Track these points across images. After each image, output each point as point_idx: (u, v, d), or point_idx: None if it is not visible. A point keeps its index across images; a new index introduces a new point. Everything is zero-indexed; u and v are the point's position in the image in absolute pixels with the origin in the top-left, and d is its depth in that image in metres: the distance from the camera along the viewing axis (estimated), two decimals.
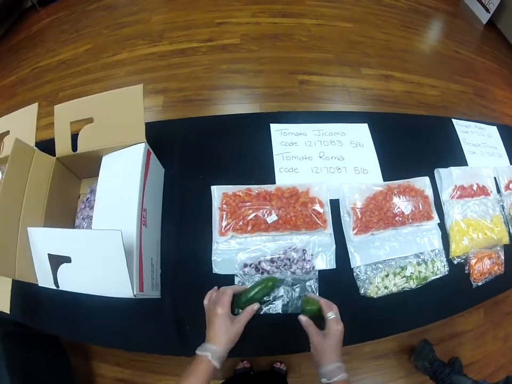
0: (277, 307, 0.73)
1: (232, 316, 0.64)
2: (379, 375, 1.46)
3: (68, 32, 2.75)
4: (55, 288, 0.59)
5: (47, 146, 0.75)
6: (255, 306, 0.67)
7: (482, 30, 3.18)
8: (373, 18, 2.54)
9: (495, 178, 0.99)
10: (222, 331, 0.60)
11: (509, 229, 0.94)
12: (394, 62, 2.32)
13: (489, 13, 3.13)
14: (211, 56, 2.16)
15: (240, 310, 0.68)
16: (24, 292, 0.69)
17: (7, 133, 0.76)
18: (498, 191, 0.98)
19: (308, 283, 0.75)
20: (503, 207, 0.96)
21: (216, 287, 0.70)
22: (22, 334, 0.97)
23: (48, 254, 0.57)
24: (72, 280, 0.58)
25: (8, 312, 0.68)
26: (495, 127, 1.12)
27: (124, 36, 2.48)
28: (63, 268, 0.57)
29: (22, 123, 0.77)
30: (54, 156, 0.73)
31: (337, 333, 0.62)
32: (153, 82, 2.10)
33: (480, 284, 0.85)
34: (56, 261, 0.58)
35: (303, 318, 0.66)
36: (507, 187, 0.99)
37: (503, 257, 0.89)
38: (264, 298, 0.72)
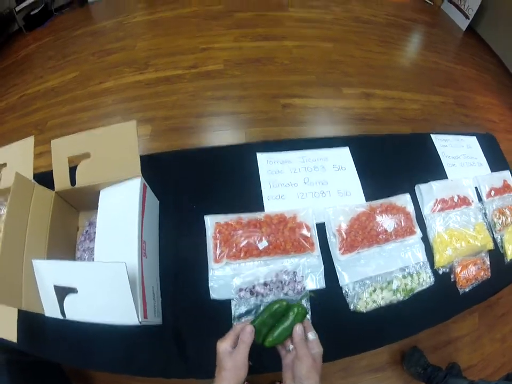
0: None
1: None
2: None
3: (54, 58, 2.77)
4: (61, 318, 0.62)
5: (43, 178, 0.78)
6: (247, 328, 0.61)
7: (462, 37, 3.24)
8: (353, 36, 2.60)
9: (476, 187, 1.03)
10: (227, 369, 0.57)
11: (492, 235, 0.97)
12: (374, 79, 2.37)
13: (468, 19, 3.19)
14: (196, 83, 2.20)
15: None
16: (30, 321, 0.72)
17: (4, 165, 0.79)
18: (480, 199, 1.02)
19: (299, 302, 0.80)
20: (485, 214, 0.99)
21: (238, 328, 0.63)
22: (26, 361, 0.98)
23: (54, 285, 0.61)
24: (79, 310, 0.62)
25: (16, 341, 0.72)
26: (474, 137, 1.16)
27: (110, 63, 2.51)
28: (69, 298, 0.60)
29: (19, 156, 0.80)
30: (51, 188, 0.76)
31: (318, 356, 0.59)
32: (140, 111, 2.13)
33: (467, 290, 0.88)
34: (62, 292, 0.61)
35: (299, 327, 0.62)
36: (489, 194, 1.02)
37: (488, 262, 0.92)
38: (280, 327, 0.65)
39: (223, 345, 0.59)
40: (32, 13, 3.25)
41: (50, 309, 0.63)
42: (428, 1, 3.64)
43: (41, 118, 2.27)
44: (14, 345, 0.73)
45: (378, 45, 2.65)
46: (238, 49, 2.36)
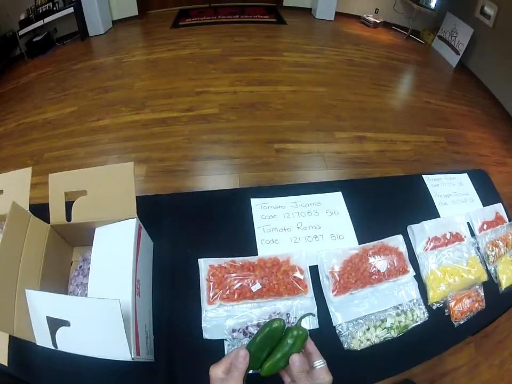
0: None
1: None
2: None
3: (54, 90, 2.84)
4: (53, 348, 0.61)
5: (38, 210, 0.78)
6: (241, 352, 0.55)
7: (453, 74, 3.35)
8: (345, 80, 2.68)
9: (468, 223, 1.03)
10: None
11: (486, 267, 0.97)
12: (367, 122, 2.43)
13: (459, 54, 3.31)
14: (191, 126, 2.24)
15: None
16: (22, 347, 0.72)
17: (1, 192, 0.80)
18: (473, 234, 1.02)
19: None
20: (478, 248, 0.99)
21: (232, 353, 0.59)
22: None
23: (47, 316, 0.60)
24: (71, 343, 0.61)
25: (6, 364, 0.72)
26: (465, 175, 1.17)
27: (108, 100, 2.57)
28: (61, 330, 0.60)
29: (16, 185, 0.81)
30: (46, 221, 0.76)
31: None
32: (135, 151, 2.16)
33: (462, 322, 0.88)
34: (55, 324, 0.60)
35: (296, 358, 0.54)
36: (481, 228, 1.02)
37: (482, 294, 0.92)
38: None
39: (215, 371, 0.55)
40: (34, 40, 3.35)
41: (42, 339, 0.62)
42: (419, 40, 3.79)
43: (38, 149, 2.30)
44: (5, 369, 0.73)
45: (371, 87, 2.73)
46: (233, 94, 2.42)
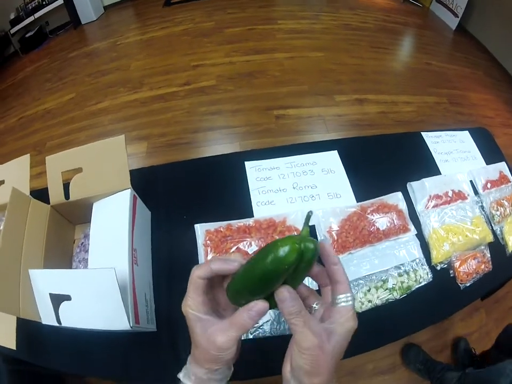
0: (265, 330, 0.76)
1: (212, 318, 0.39)
2: None
3: (51, 80, 2.84)
4: (57, 325, 0.63)
5: (40, 195, 0.79)
6: (260, 305, 0.36)
7: (453, 37, 3.27)
8: (343, 44, 2.63)
9: (471, 181, 1.01)
10: (194, 344, 0.40)
11: (491, 227, 0.95)
12: (367, 85, 2.39)
13: (458, 17, 3.22)
14: (190, 99, 2.23)
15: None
16: (28, 329, 0.74)
17: (2, 182, 0.82)
18: (476, 192, 0.99)
19: None
20: (482, 207, 0.97)
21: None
22: (27, 371, 0.99)
23: (50, 293, 0.62)
24: (73, 317, 0.63)
25: (15, 348, 0.73)
26: (466, 132, 1.14)
27: (106, 83, 2.56)
28: (64, 305, 0.62)
29: (16, 173, 0.82)
30: (48, 203, 0.78)
31: (349, 334, 0.38)
32: (136, 129, 2.17)
33: (468, 284, 0.86)
34: (57, 300, 0.62)
35: (284, 291, 0.35)
36: (485, 187, 1.00)
37: (488, 255, 0.90)
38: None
39: (192, 303, 0.40)
40: (27, 36, 3.34)
41: (47, 317, 0.64)
42: (416, 3, 3.68)
43: (40, 139, 2.32)
44: (14, 354, 0.75)
45: (369, 50, 2.67)
46: (229, 64, 2.40)
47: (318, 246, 0.37)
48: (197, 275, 0.40)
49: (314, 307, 0.41)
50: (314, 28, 2.76)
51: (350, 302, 0.38)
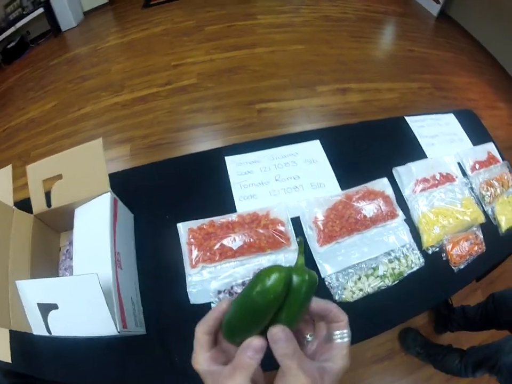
0: None
1: (221, 367, 0.35)
2: (386, 376, 1.45)
3: (33, 89, 2.81)
4: (48, 335, 0.63)
5: (24, 205, 0.79)
6: (254, 342, 0.34)
7: (434, 23, 3.27)
8: (323, 35, 2.62)
9: (458, 163, 1.00)
10: None
11: (483, 208, 0.94)
12: (348, 74, 2.38)
13: (439, 3, 3.22)
14: (171, 99, 2.22)
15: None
16: (21, 341, 0.74)
17: None
18: (464, 174, 0.99)
19: None
20: (472, 189, 0.96)
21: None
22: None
23: (37, 303, 0.62)
24: (62, 325, 0.62)
25: (10, 361, 0.73)
26: (451, 114, 1.13)
27: (87, 89, 2.55)
28: (52, 314, 0.62)
29: None
30: (32, 213, 0.77)
31: (342, 373, 0.35)
32: (118, 132, 2.15)
33: (462, 266, 0.85)
34: (45, 309, 0.62)
35: (278, 332, 0.33)
36: (473, 168, 0.99)
37: (481, 236, 0.89)
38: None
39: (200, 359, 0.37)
40: (8, 46, 3.30)
41: (37, 327, 0.64)
42: None
43: (25, 149, 2.29)
44: (11, 367, 0.75)
45: (350, 40, 2.67)
46: (210, 62, 2.39)
47: (314, 278, 0.36)
48: (201, 332, 0.39)
49: (308, 338, 0.39)
50: (294, 21, 2.75)
51: (346, 339, 0.36)
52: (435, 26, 3.27)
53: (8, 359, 0.73)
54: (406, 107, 2.29)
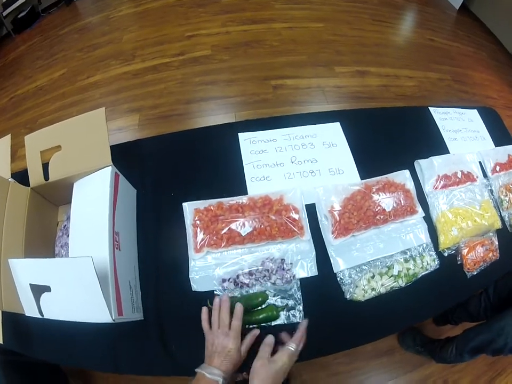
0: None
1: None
2: (384, 372, 1.41)
3: (43, 58, 2.76)
4: (40, 317, 0.60)
5: (23, 176, 0.76)
6: (256, 331, 0.68)
7: (456, 16, 3.18)
8: (344, 15, 2.54)
9: (480, 162, 0.97)
10: (232, 362, 0.62)
11: (500, 213, 0.91)
12: (368, 57, 2.31)
13: None
14: (184, 70, 2.15)
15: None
16: (14, 321, 0.72)
17: None
18: (485, 175, 0.95)
19: (290, 292, 0.74)
20: (491, 191, 0.93)
21: (216, 304, 0.69)
22: (21, 361, 0.95)
23: (30, 284, 0.58)
24: (55, 309, 0.60)
25: (1, 342, 0.71)
26: (475, 111, 1.10)
27: (97, 57, 2.48)
28: (44, 296, 0.59)
29: None
30: (29, 185, 0.74)
31: (283, 366, 0.61)
32: (128, 102, 2.09)
33: (475, 273, 0.82)
34: (38, 291, 0.59)
35: (270, 337, 0.66)
36: (494, 170, 0.96)
37: (496, 243, 0.86)
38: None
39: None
40: (19, 16, 3.24)
41: (30, 309, 0.61)
42: None
43: (32, 117, 2.25)
44: (2, 346, 0.73)
45: (371, 23, 2.58)
46: (225, 34, 2.31)
47: (278, 316, 0.72)
48: (238, 326, 0.66)
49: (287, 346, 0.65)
50: None
51: (289, 347, 0.63)
52: (456, 19, 3.18)
53: None
54: (424, 97, 2.23)
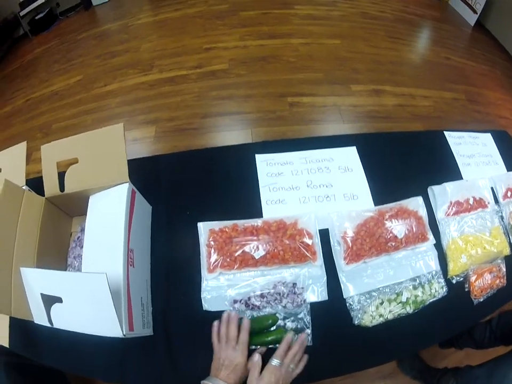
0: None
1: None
2: None
3: (59, 62, 2.79)
4: (49, 326, 0.61)
5: (37, 183, 0.76)
6: (264, 349, 0.71)
7: (471, 33, 3.17)
8: (360, 32, 2.54)
9: (492, 188, 0.97)
10: (238, 375, 0.64)
11: (509, 239, 0.90)
12: (384, 75, 2.31)
13: (476, 13, 3.13)
14: (201, 83, 2.16)
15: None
16: (23, 325, 0.71)
17: None
18: (496, 201, 0.95)
19: (299, 316, 0.75)
20: (502, 217, 0.93)
21: (225, 318, 0.71)
22: (25, 364, 0.97)
23: (41, 294, 0.59)
24: (65, 320, 0.60)
25: (7, 345, 0.72)
26: (489, 134, 1.10)
27: (115, 65, 2.50)
28: (56, 307, 0.59)
29: (12, 161, 0.80)
30: (44, 194, 0.75)
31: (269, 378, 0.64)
32: (144, 113, 2.11)
33: (481, 299, 0.82)
34: (49, 301, 0.59)
35: (256, 356, 0.68)
36: (505, 196, 0.95)
37: (504, 269, 0.86)
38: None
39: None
40: (37, 17, 3.27)
41: (39, 317, 0.61)
42: None
43: (46, 121, 2.27)
44: (9, 349, 0.73)
45: (387, 40, 2.59)
46: (243, 48, 2.33)
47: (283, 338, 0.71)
48: (246, 340, 0.69)
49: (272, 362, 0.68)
50: (331, 15, 2.67)
51: (271, 363, 0.66)
52: (471, 36, 3.17)
53: (5, 343, 0.73)
54: (439, 117, 2.22)
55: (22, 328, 0.73)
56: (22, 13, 3.17)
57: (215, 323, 0.71)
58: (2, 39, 3.05)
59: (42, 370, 1.05)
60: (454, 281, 0.83)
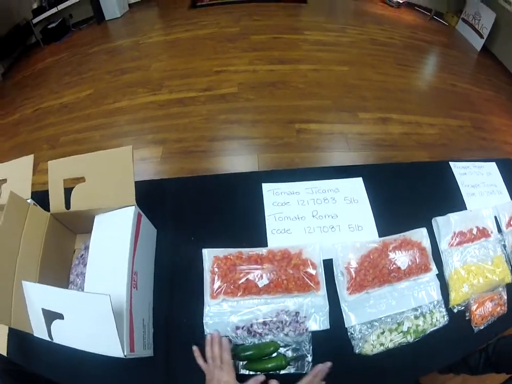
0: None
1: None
2: None
3: (70, 74, 2.83)
4: (49, 340, 0.61)
5: (43, 197, 0.76)
6: (260, 377, 0.67)
7: (477, 58, 3.22)
8: (369, 59, 2.57)
9: (495, 217, 0.97)
10: None
11: (511, 267, 0.91)
12: (391, 103, 2.33)
13: (483, 38, 3.18)
14: (209, 106, 2.19)
15: (241, 363, 0.74)
16: (22, 335, 0.70)
17: (5, 180, 0.79)
18: (499, 230, 0.95)
19: (300, 344, 0.75)
20: (504, 246, 0.93)
21: (208, 340, 0.71)
22: (21, 371, 0.94)
23: (42, 309, 0.59)
24: (65, 336, 0.60)
25: (5, 354, 0.73)
26: (493, 163, 1.11)
27: (125, 82, 2.54)
28: (56, 323, 0.59)
29: (19, 173, 0.79)
30: (48, 207, 0.74)
31: None
32: (152, 133, 2.13)
33: (482, 327, 0.82)
34: (50, 316, 0.59)
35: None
36: (508, 224, 0.95)
37: (505, 297, 0.86)
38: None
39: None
40: (49, 27, 3.33)
41: (39, 330, 0.61)
42: (443, 21, 3.63)
43: (54, 133, 2.29)
44: (6, 357, 0.74)
45: (395, 67, 2.62)
46: (252, 73, 2.35)
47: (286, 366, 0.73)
48: (229, 360, 0.68)
49: None
50: (340, 41, 2.71)
51: None
52: (477, 61, 3.22)
53: (3, 351, 0.73)
54: (444, 145, 2.23)
55: (20, 337, 0.73)
56: (34, 21, 3.24)
57: (194, 347, 0.71)
58: (14, 45, 3.09)
59: (38, 379, 1.05)
60: (455, 310, 0.83)
